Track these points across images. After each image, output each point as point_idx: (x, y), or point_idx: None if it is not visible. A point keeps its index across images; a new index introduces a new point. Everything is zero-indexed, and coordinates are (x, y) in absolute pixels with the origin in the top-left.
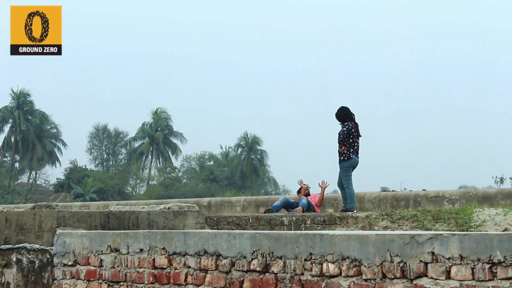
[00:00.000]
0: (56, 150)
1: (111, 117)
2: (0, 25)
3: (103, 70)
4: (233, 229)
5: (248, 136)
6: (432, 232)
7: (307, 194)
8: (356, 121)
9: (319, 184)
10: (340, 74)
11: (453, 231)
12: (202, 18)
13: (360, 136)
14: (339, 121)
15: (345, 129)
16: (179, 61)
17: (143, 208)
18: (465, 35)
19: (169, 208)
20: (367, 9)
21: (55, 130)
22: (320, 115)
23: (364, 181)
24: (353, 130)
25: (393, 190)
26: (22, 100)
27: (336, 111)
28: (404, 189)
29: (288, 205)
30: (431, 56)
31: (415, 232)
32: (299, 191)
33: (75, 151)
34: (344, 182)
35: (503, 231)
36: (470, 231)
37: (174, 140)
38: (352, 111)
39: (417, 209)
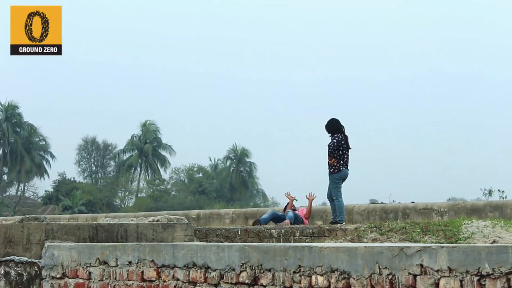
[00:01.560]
0: (44, 162)
1: (100, 129)
2: (0, 25)
3: (91, 82)
4: (222, 242)
5: (237, 148)
6: (421, 244)
7: (293, 209)
8: (346, 133)
9: (306, 196)
10: (330, 88)
11: (441, 243)
12: (192, 31)
13: (350, 148)
14: (329, 133)
15: (335, 141)
16: (169, 73)
17: (132, 220)
18: (455, 51)
19: (157, 221)
20: (362, 24)
21: (44, 143)
22: (309, 128)
23: (353, 193)
24: (342, 142)
25: (382, 202)
26: (10, 113)
27: (326, 123)
28: (393, 201)
29: (276, 218)
30: (422, 72)
31: (404, 244)
32: (286, 205)
33: (64, 164)
34: (334, 194)
35: (491, 243)
36: (459, 243)
37: (163, 153)
38: (341, 123)
39: (406, 221)
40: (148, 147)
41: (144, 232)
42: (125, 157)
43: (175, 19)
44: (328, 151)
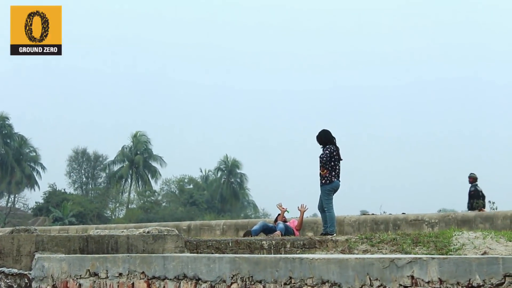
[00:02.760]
0: (35, 173)
1: (91, 140)
2: (0, 25)
3: (82, 92)
4: (212, 253)
5: (228, 159)
6: (412, 255)
7: (284, 221)
8: (337, 144)
9: (298, 207)
10: (322, 98)
11: (432, 254)
12: (183, 40)
13: (342, 159)
14: (320, 144)
15: (327, 152)
16: (159, 84)
17: (122, 232)
18: (451, 56)
19: (148, 232)
20: (357, 31)
21: (34, 154)
22: (301, 139)
23: (344, 205)
24: (334, 154)
25: (373, 214)
26: (0, 124)
27: (317, 134)
28: (384, 212)
29: (267, 229)
30: (413, 82)
31: (395, 255)
32: (277, 216)
33: (54, 175)
34: (325, 205)
35: (482, 254)
36: (450, 254)
37: (154, 164)
38: (333, 134)
39: (396, 232)
40: (139, 158)
41: (134, 244)
42: (115, 168)
43: (166, 28)
44: (320, 163)
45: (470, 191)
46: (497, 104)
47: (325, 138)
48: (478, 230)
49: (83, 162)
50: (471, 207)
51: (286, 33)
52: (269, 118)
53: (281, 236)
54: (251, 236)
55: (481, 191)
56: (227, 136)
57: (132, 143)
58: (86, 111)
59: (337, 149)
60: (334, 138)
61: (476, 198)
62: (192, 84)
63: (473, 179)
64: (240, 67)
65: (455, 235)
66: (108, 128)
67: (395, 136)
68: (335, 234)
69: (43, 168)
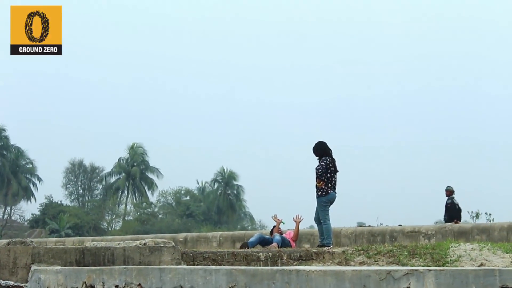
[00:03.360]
0: (31, 185)
1: (87, 152)
2: (0, 25)
3: (79, 103)
4: (209, 265)
5: (225, 171)
6: (408, 267)
7: (280, 232)
8: (333, 156)
9: (293, 218)
10: (317, 110)
11: (429, 266)
12: (180, 53)
13: (338, 171)
14: (317, 156)
15: (323, 164)
16: (156, 95)
17: (119, 244)
18: (448, 67)
19: (145, 244)
20: (353, 43)
21: (31, 165)
22: (297, 151)
23: (341, 216)
24: (330, 165)
25: (370, 226)
26: None
27: (313, 146)
28: (381, 224)
29: (264, 241)
30: (409, 92)
31: (391, 267)
32: (273, 228)
33: (51, 187)
34: (322, 217)
35: (478, 266)
36: (446, 266)
37: (151, 175)
38: (329, 146)
39: (393, 244)
40: (136, 170)
41: (131, 256)
42: (112, 180)
43: (163, 39)
44: (316, 174)
45: (446, 204)
46: (495, 114)
47: (321, 149)
48: (474, 242)
49: (80, 174)
50: (447, 219)
51: (281, 46)
52: (266, 130)
53: (278, 248)
54: (248, 248)
55: (458, 204)
56: (224, 148)
57: (128, 154)
58: (82, 122)
59: (333, 160)
60: (330, 150)
61: (452, 211)
62: (189, 95)
63: (449, 192)
64: (238, 79)
65: (451, 247)
66: (105, 140)
67: (392, 147)
68: (331, 246)
69: (40, 180)
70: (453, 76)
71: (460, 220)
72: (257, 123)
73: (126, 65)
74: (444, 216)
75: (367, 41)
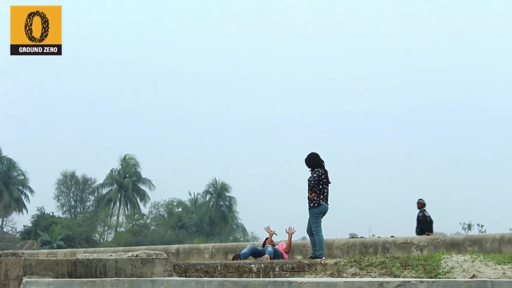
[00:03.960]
0: (23, 197)
1: (79, 163)
2: (0, 25)
3: (71, 114)
4: (201, 277)
5: (217, 182)
6: (401, 279)
7: (273, 244)
8: (326, 167)
9: (286, 230)
10: (311, 122)
11: (421, 278)
12: (174, 64)
13: (330, 182)
14: (309, 167)
15: (315, 175)
16: (148, 107)
17: (111, 255)
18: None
19: (137, 256)
20: (348, 55)
21: (23, 177)
22: (289, 162)
23: (333, 228)
24: (323, 177)
25: (362, 237)
26: None
27: (305, 157)
28: (373, 235)
29: (256, 253)
30: (405, 106)
31: (384, 279)
32: (266, 240)
33: (43, 198)
34: (314, 228)
35: (471, 278)
36: (438, 278)
37: (143, 187)
38: (321, 157)
39: (385, 255)
40: (128, 181)
41: (123, 268)
42: (104, 191)
43: (155, 50)
44: (309, 186)
45: (418, 217)
46: (489, 127)
47: (313, 161)
48: (467, 253)
49: (72, 185)
50: (419, 232)
51: (275, 59)
52: (258, 142)
53: (270, 259)
54: (240, 260)
55: (429, 217)
56: (216, 160)
57: (121, 166)
58: (74, 134)
59: (325, 172)
60: (323, 161)
61: (424, 223)
62: (181, 107)
63: (421, 204)
64: (231, 92)
65: (444, 258)
66: (97, 151)
67: (384, 160)
68: (324, 258)
69: (32, 191)
70: (451, 89)
71: (432, 232)
72: (249, 135)
73: (119, 76)
74: (416, 228)
75: (366, 54)
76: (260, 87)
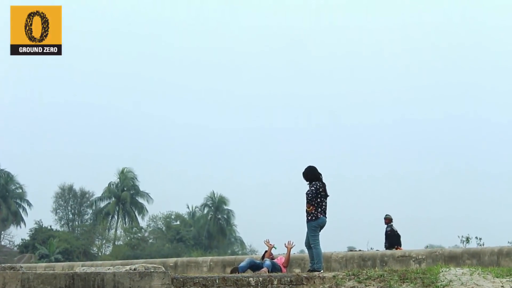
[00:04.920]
0: (21, 210)
1: (77, 177)
2: (0, 25)
3: (68, 127)
4: None
5: (215, 195)
6: None
7: (272, 258)
8: (323, 180)
9: (285, 244)
10: (309, 135)
11: None
12: (169, 79)
13: (328, 196)
14: (307, 180)
15: (313, 188)
16: (146, 120)
17: (109, 269)
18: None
19: (135, 269)
20: (346, 74)
21: (20, 190)
22: (287, 175)
23: (331, 241)
24: (321, 190)
25: (360, 250)
26: None
27: (303, 171)
28: (371, 248)
29: (254, 266)
30: (401, 120)
31: None
32: (265, 253)
33: (40, 211)
34: (312, 241)
35: None
36: None
37: (141, 200)
38: (319, 170)
39: (384, 269)
40: (126, 194)
41: (121, 281)
42: (102, 204)
43: (152, 64)
44: (307, 199)
45: (386, 231)
46: (489, 142)
47: (311, 174)
48: (465, 266)
49: (70, 199)
50: (388, 246)
51: (275, 74)
52: (256, 155)
53: (268, 272)
54: (238, 273)
55: (397, 231)
56: (214, 173)
57: (119, 179)
58: (72, 147)
59: (323, 185)
60: (320, 174)
61: (392, 237)
62: (179, 122)
63: (388, 220)
64: (229, 105)
65: (442, 271)
66: (95, 165)
67: (383, 173)
68: (322, 271)
69: (29, 204)
70: (449, 105)
71: (400, 246)
72: (248, 148)
73: (117, 89)
74: (385, 243)
75: (366, 70)
76: (258, 100)
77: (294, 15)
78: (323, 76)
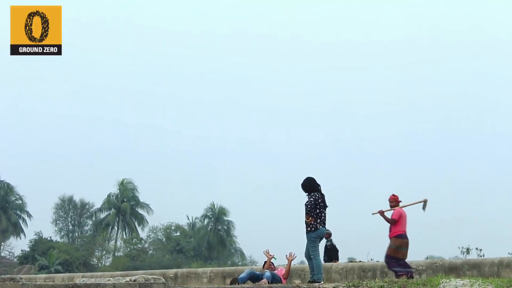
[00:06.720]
0: (21, 221)
1: (77, 188)
2: (0, 25)
3: (68, 138)
4: None
5: (215, 207)
6: None
7: (272, 269)
8: (322, 191)
9: (286, 256)
10: (308, 147)
11: None
12: (168, 90)
13: (327, 206)
14: (305, 191)
15: (312, 199)
16: (146, 131)
17: (109, 280)
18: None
19: (135, 280)
20: (343, 86)
21: (20, 201)
22: (287, 187)
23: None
24: (319, 201)
25: (360, 261)
26: None
27: (302, 182)
28: (371, 259)
29: (254, 277)
30: (400, 131)
31: None
32: (264, 263)
33: (40, 223)
34: (311, 253)
35: None
36: None
37: (141, 211)
38: (317, 181)
39: (384, 280)
40: (126, 205)
41: None
42: (102, 216)
43: (150, 76)
44: (305, 210)
45: (326, 246)
46: (491, 152)
47: (310, 185)
48: (465, 278)
49: (70, 210)
50: (327, 259)
51: (274, 85)
52: (257, 166)
53: (268, 284)
54: (238, 284)
55: (335, 245)
56: (214, 184)
57: (118, 190)
58: (72, 158)
59: (322, 196)
60: (319, 185)
61: (331, 251)
62: (179, 132)
63: (328, 235)
64: (228, 116)
65: (442, 282)
66: (95, 176)
67: (381, 184)
68: (322, 282)
69: (29, 215)
70: (451, 115)
71: (338, 260)
72: (247, 160)
73: (115, 99)
74: (324, 256)
75: (368, 80)
76: (258, 112)
77: (297, 27)
78: (320, 89)
